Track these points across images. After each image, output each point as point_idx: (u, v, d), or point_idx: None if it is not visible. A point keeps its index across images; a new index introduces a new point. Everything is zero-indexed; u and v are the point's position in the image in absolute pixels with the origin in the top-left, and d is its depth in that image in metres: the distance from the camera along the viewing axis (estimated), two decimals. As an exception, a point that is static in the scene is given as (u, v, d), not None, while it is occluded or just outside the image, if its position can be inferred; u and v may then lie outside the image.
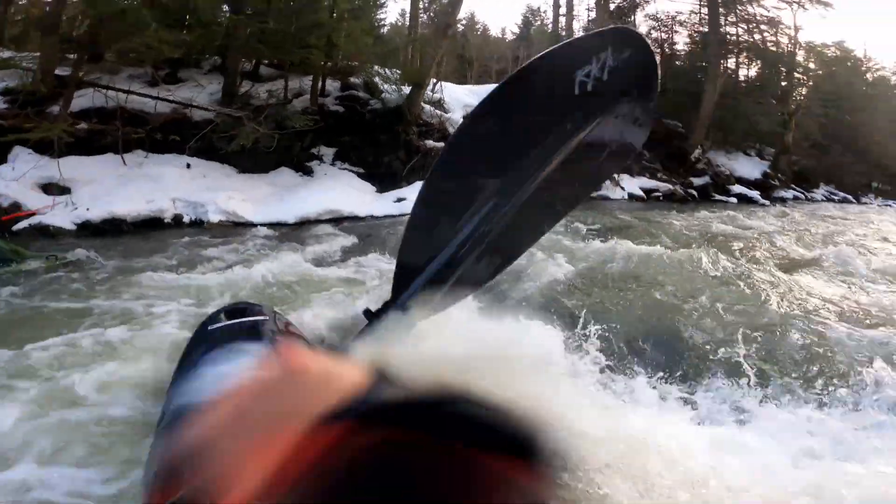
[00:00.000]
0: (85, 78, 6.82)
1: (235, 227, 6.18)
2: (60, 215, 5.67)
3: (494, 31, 32.04)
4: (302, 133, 7.70)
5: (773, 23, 15.68)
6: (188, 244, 5.12)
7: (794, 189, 17.24)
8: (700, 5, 15.24)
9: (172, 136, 7.14)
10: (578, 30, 17.04)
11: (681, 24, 16.77)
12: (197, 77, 8.59)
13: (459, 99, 10.10)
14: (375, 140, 8.42)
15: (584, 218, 6.85)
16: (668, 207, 11.09)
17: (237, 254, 4.75)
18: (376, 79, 8.54)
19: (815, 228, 8.64)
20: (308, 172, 8.14)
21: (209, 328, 1.49)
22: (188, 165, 7.01)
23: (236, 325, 1.46)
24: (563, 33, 17.24)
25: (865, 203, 19.08)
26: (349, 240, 5.70)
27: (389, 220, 7.03)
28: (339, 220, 6.76)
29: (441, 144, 8.64)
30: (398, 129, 8.27)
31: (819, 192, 18.49)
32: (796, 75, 17.45)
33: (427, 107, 8.54)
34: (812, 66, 18.66)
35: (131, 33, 6.05)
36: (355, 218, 6.98)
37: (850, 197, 19.24)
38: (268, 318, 1.52)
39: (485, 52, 25.83)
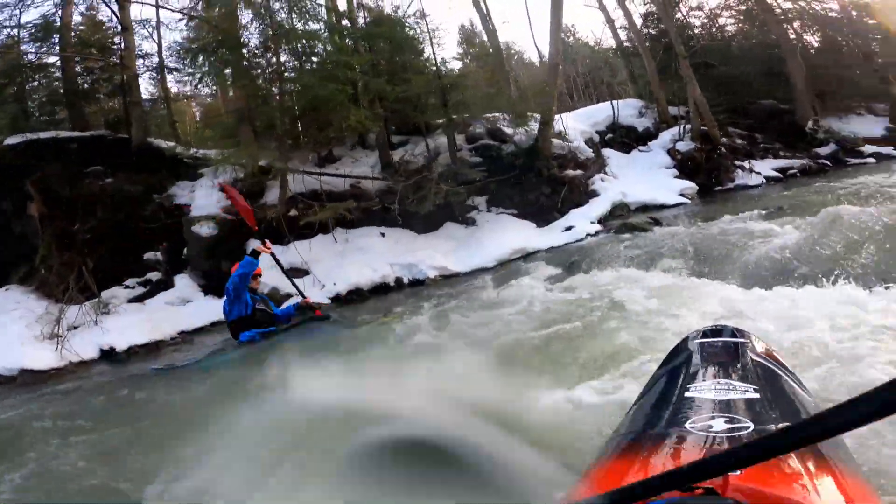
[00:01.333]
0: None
1: (447, 279, 6.91)
2: (315, 293, 6.63)
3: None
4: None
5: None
6: (438, 296, 5.83)
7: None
8: None
9: (361, 208, 8.07)
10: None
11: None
12: (347, 153, 9.77)
13: (573, 126, 10.68)
14: (518, 181, 9.08)
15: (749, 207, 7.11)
16: (812, 181, 10.66)
17: (491, 296, 5.31)
18: (500, 125, 9.33)
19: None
20: (471, 223, 8.85)
21: (689, 342, 1.53)
22: (383, 234, 7.99)
23: (717, 342, 1.47)
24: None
25: None
26: (555, 269, 6.12)
27: (567, 247, 7.53)
28: (526, 256, 7.33)
29: (578, 172, 9.18)
30: (538, 167, 8.89)
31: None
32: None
33: (554, 140, 9.14)
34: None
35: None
36: (538, 251, 7.50)
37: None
38: (747, 341, 1.48)
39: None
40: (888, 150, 14.26)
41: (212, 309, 6.11)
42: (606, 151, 11.10)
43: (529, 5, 24.28)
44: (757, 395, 1.11)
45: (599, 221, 8.44)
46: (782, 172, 12.01)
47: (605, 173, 9.87)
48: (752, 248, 4.85)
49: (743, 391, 1.12)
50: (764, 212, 6.89)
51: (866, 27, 15.42)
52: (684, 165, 10.70)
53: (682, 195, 9.67)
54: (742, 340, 1.45)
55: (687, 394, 1.18)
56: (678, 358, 1.50)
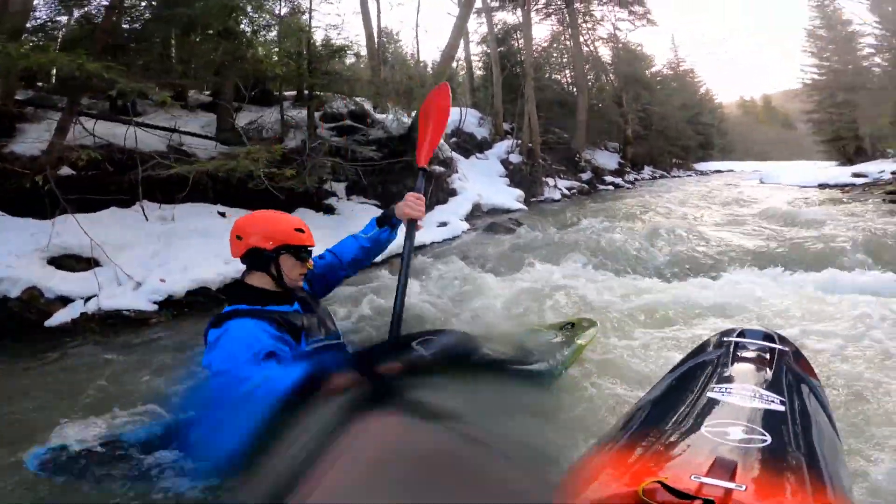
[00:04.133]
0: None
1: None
2: (122, 294, 4.34)
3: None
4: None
5: (613, 38, 19.69)
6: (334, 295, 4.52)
7: (634, 173, 21.78)
8: (564, 27, 18.34)
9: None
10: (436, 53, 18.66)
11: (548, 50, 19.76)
12: (152, 107, 7.03)
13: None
14: (382, 170, 8.16)
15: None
16: (589, 199, 13.29)
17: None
18: (368, 107, 8.28)
19: (662, 194, 12.30)
20: (329, 210, 7.46)
21: (724, 338, 1.51)
22: (223, 214, 5.90)
23: (754, 345, 1.44)
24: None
25: (674, 176, 25.21)
26: (459, 262, 5.61)
27: (449, 243, 7.07)
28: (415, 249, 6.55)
29: (442, 169, 8.84)
30: (406, 158, 8.16)
31: (646, 172, 23.62)
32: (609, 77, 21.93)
33: (423, 134, 8.61)
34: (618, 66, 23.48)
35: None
36: (422, 245, 6.77)
37: (664, 173, 25.15)
38: (786, 349, 1.46)
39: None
40: (618, 180, 19.09)
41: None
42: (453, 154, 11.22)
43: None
44: (783, 409, 1.07)
45: (465, 220, 8.34)
46: (569, 190, 14.55)
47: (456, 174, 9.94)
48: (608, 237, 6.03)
49: (769, 401, 1.09)
50: (590, 218, 8.11)
51: (628, 73, 20.06)
52: (514, 176, 11.71)
53: (517, 201, 10.52)
54: (781, 347, 1.40)
55: (710, 394, 1.14)
56: (708, 354, 1.43)
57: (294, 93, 8.69)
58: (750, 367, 1.30)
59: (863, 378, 2.24)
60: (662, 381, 1.40)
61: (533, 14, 15.67)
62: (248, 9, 6.19)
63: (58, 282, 4.09)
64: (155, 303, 4.25)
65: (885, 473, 1.59)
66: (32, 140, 5.02)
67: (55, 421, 2.10)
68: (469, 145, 11.83)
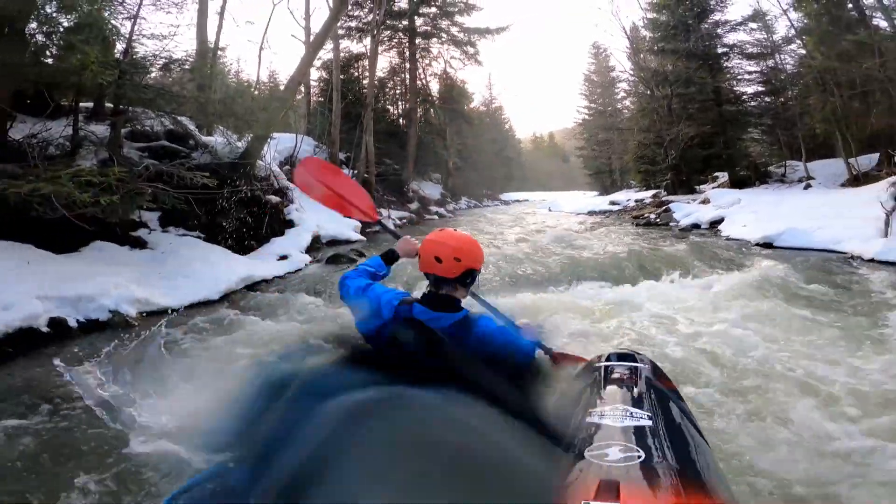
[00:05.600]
0: None
1: (154, 317, 4.67)
2: None
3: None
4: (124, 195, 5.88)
5: (444, 74, 21.30)
6: (178, 340, 3.84)
7: (454, 203, 23.90)
8: (403, 60, 19.15)
9: None
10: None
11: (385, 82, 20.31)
12: None
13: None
14: (208, 199, 7.18)
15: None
16: (416, 228, 14.14)
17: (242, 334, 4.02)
18: (194, 128, 7.24)
19: (479, 222, 14.36)
20: (138, 244, 6.26)
21: (596, 364, 1.62)
22: (-17, 251, 4.48)
23: (618, 366, 1.55)
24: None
25: (485, 205, 28.38)
26: (301, 297, 5.40)
27: (292, 277, 6.61)
28: (251, 286, 5.93)
29: (277, 199, 8.19)
30: (240, 186, 7.37)
31: (462, 202, 26.10)
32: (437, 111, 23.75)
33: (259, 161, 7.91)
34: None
35: None
36: (262, 280, 6.20)
37: (478, 203, 28.10)
38: (644, 365, 1.57)
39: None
40: (441, 209, 20.74)
41: None
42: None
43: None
44: (650, 423, 1.15)
45: (305, 252, 7.93)
46: (400, 220, 15.20)
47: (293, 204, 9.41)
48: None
49: (638, 418, 1.17)
50: None
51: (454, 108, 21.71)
52: (349, 205, 11.63)
53: (355, 231, 10.50)
54: (641, 366, 1.53)
55: (588, 419, 1.20)
56: (583, 379, 1.55)
57: (90, 104, 7.20)
58: (618, 388, 1.38)
59: (713, 383, 2.68)
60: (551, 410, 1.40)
61: (375, 46, 16.16)
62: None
63: None
64: None
65: (756, 468, 1.88)
66: None
67: None
68: (302, 173, 11.44)
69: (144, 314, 4.66)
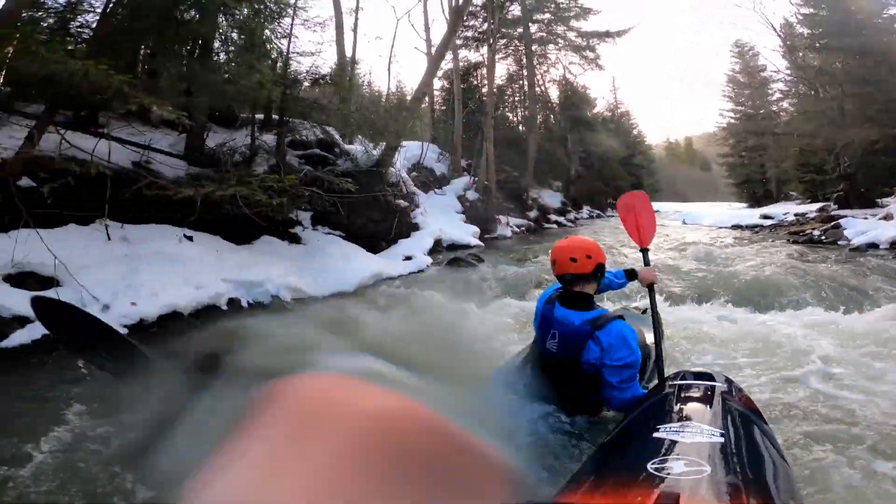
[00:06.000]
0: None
1: (301, 303, 5.53)
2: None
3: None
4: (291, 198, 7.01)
5: (563, 80, 21.15)
6: (318, 320, 4.55)
7: (575, 212, 23.10)
8: (520, 67, 19.53)
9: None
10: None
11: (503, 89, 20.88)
12: (114, 122, 6.71)
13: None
14: (347, 202, 8.23)
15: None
16: (536, 237, 13.95)
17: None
18: (338, 137, 8.35)
19: (601, 233, 13.54)
20: (295, 240, 7.40)
21: (668, 382, 1.60)
22: (189, 238, 5.73)
23: (693, 385, 1.52)
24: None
25: (609, 216, 26.86)
26: (423, 294, 5.85)
27: (416, 276, 7.20)
28: (378, 283, 6.64)
29: (406, 204, 9.06)
30: (376, 191, 8.32)
31: (584, 211, 25.03)
32: (557, 118, 23.28)
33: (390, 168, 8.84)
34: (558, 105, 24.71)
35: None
36: (390, 278, 6.89)
37: (600, 213, 26.71)
38: (723, 385, 1.53)
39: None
40: (561, 218, 20.20)
41: None
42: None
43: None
44: (721, 440, 1.12)
45: (427, 254, 8.55)
46: (518, 228, 15.23)
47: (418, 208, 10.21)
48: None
49: (709, 435, 1.14)
50: (537, 257, 8.63)
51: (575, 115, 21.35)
52: (469, 212, 12.14)
53: (474, 237, 10.92)
54: (718, 384, 1.49)
55: (655, 434, 1.18)
56: (655, 397, 1.52)
57: (262, 116, 8.70)
58: (691, 405, 1.36)
59: (800, 406, 2.47)
60: (616, 428, 1.44)
61: (493, 54, 16.66)
62: (224, 25, 6.24)
63: (16, 301, 3.87)
64: (125, 326, 4.12)
65: (838, 491, 1.72)
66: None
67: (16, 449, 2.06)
68: (428, 180, 12.22)
69: (295, 300, 5.46)
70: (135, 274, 4.58)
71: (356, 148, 8.40)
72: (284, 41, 7.45)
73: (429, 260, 7.99)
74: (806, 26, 15.57)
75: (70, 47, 4.10)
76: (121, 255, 4.84)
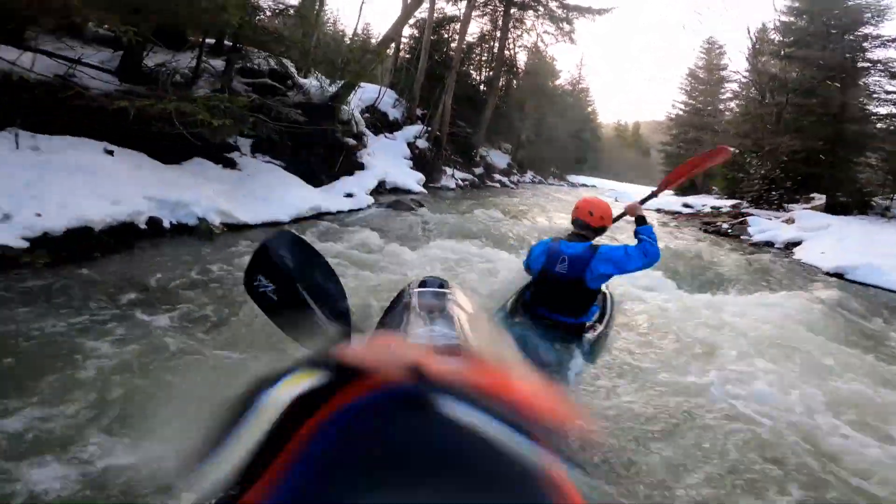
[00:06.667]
0: None
1: (235, 231, 5.36)
2: (-15, 226, 3.80)
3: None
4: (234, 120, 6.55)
5: (534, 47, 20.80)
6: (240, 252, 4.46)
7: (519, 175, 23.60)
8: (494, 28, 18.88)
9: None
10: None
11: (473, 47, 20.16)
12: (44, 38, 5.89)
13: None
14: (293, 133, 7.83)
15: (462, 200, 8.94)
16: (479, 192, 14.22)
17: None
18: (293, 69, 7.80)
19: (541, 198, 14.34)
20: (230, 164, 7.02)
21: (408, 290, 1.69)
22: (110, 152, 5.26)
23: (428, 292, 1.61)
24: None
25: (550, 183, 27.76)
26: (360, 231, 5.89)
27: (356, 214, 7.22)
28: (318, 216, 6.53)
29: (353, 142, 8.75)
30: (324, 126, 7.94)
31: (528, 176, 25.65)
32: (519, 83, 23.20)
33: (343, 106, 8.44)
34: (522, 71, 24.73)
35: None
36: (328, 213, 6.79)
37: (542, 179, 27.53)
38: (450, 291, 1.63)
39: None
40: (505, 179, 20.60)
41: None
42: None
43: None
44: (458, 342, 1.17)
45: (369, 194, 8.48)
46: (463, 181, 15.38)
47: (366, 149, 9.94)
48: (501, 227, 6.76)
49: (450, 338, 1.19)
50: (475, 210, 8.90)
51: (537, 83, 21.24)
52: (417, 160, 12.04)
53: (418, 184, 10.90)
54: (446, 291, 1.61)
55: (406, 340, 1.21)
56: (400, 304, 1.60)
57: (212, 41, 7.92)
58: (430, 311, 1.43)
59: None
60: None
61: (469, 10, 15.98)
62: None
63: None
64: (26, 239, 3.82)
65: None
66: None
67: None
68: (381, 124, 11.86)
69: (225, 226, 5.29)
70: (43, 184, 4.21)
71: (310, 82, 7.95)
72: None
73: (370, 200, 7.98)
74: (780, 34, 16.33)
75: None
76: (29, 164, 4.40)
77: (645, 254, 2.41)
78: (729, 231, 12.26)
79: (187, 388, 2.19)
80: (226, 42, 7.53)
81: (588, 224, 2.54)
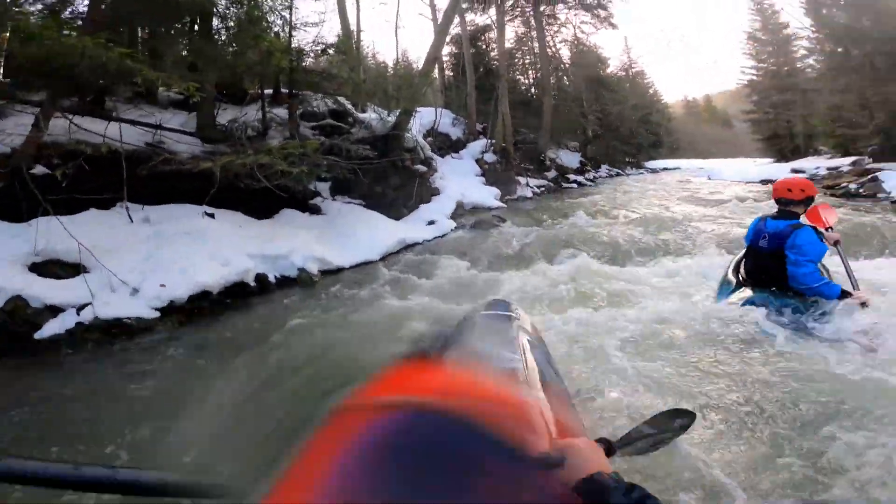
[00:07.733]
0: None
1: (331, 275, 5.40)
2: (118, 302, 4.09)
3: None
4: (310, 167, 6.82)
5: (575, 40, 20.19)
6: (348, 297, 4.45)
7: (593, 171, 22.47)
8: (529, 29, 18.61)
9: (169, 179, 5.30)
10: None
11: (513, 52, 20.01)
12: (122, 105, 6.53)
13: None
14: (366, 169, 8.02)
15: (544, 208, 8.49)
16: (557, 196, 13.58)
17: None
18: (350, 106, 8.06)
19: (625, 190, 12.93)
20: (316, 211, 7.27)
21: (475, 315, 1.76)
22: (211, 215, 5.62)
23: (494, 315, 1.71)
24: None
25: (629, 173, 26.10)
26: (458, 259, 5.67)
27: (441, 240, 7.06)
28: (404, 249, 6.51)
29: (425, 168, 8.78)
30: (392, 157, 8.05)
31: (603, 170, 24.34)
32: (570, 78, 22.51)
33: (406, 134, 8.54)
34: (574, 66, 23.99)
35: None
36: (415, 244, 6.73)
37: (619, 171, 25.95)
38: (515, 315, 1.72)
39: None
40: (581, 178, 19.65)
41: None
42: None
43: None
44: (520, 366, 1.24)
45: (450, 217, 8.36)
46: (538, 188, 14.86)
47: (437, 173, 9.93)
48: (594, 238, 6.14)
49: (511, 361, 1.27)
50: (563, 217, 8.34)
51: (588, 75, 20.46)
52: (488, 175, 11.84)
53: (495, 199, 10.65)
54: (511, 314, 1.70)
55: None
56: (465, 326, 1.67)
57: (270, 91, 8.42)
58: (495, 334, 1.50)
59: None
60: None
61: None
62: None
63: (44, 290, 3.79)
64: (156, 309, 4.03)
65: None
66: (-1, 137, 4.58)
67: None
68: (445, 145, 11.86)
69: (322, 272, 5.34)
70: (161, 255, 4.48)
71: (370, 116, 8.08)
72: (286, 13, 7.09)
73: (452, 224, 7.80)
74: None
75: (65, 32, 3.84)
76: (145, 236, 4.73)
77: (812, 284, 2.60)
78: (861, 191, 10.48)
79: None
80: (282, 90, 7.90)
81: (791, 199, 2.80)
